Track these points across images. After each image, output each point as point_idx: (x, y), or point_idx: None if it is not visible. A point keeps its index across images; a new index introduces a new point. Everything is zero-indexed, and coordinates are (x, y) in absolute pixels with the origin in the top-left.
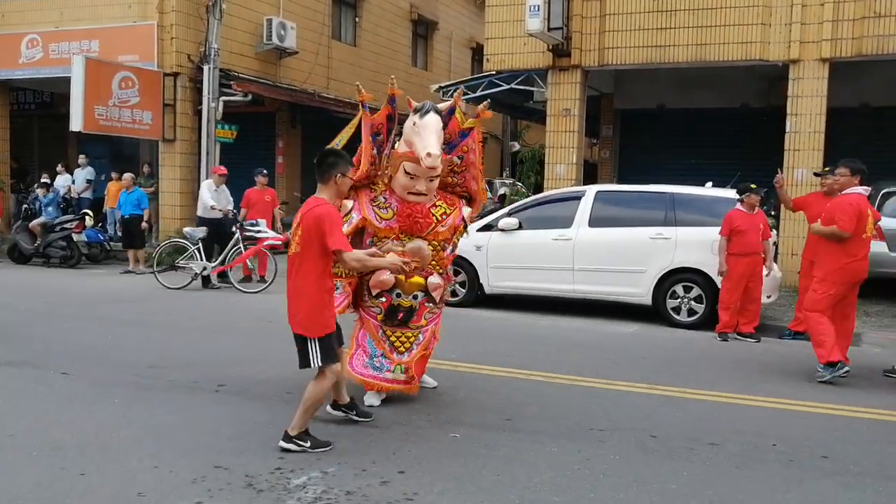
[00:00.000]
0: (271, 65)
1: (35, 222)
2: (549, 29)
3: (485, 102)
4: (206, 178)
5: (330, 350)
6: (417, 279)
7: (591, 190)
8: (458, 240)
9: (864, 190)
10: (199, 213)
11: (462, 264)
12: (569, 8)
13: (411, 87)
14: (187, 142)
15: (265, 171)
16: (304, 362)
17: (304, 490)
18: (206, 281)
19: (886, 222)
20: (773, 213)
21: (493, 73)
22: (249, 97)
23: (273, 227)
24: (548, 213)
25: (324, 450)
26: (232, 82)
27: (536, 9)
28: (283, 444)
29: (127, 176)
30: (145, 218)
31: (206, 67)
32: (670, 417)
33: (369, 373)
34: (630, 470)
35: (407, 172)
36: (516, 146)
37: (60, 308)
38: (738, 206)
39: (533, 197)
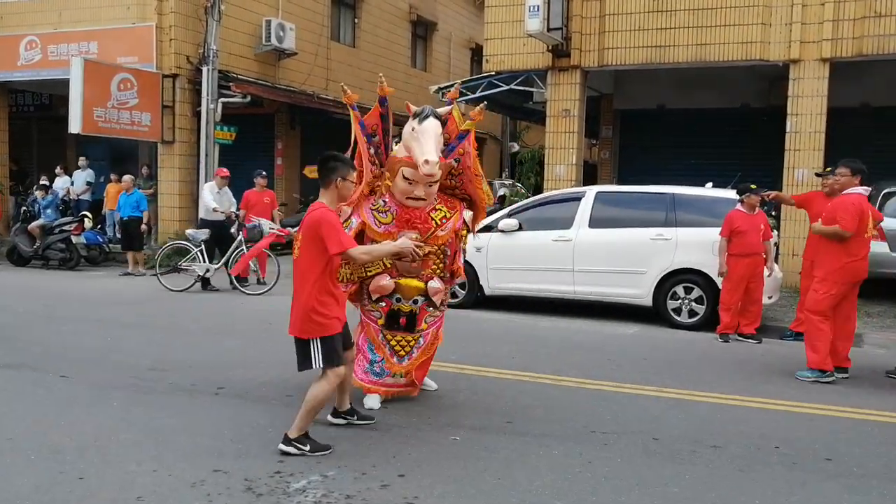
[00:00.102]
0: (270, 66)
1: (34, 224)
2: (549, 29)
3: (480, 105)
4: (205, 179)
5: (332, 352)
6: (417, 283)
7: (591, 191)
8: (465, 245)
9: (864, 190)
10: (202, 215)
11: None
12: (568, 8)
13: (410, 87)
14: (186, 143)
15: (264, 173)
16: (305, 364)
17: (304, 494)
18: (205, 283)
19: (888, 222)
20: (773, 213)
21: (493, 73)
22: (248, 98)
23: None
24: (548, 214)
25: (323, 453)
26: (231, 84)
27: (536, 9)
28: (282, 447)
29: (127, 178)
30: (144, 220)
31: (204, 69)
32: (672, 419)
33: (370, 378)
34: (632, 473)
35: (405, 178)
36: (516, 147)
37: (59, 310)
38: (739, 206)
39: (533, 198)
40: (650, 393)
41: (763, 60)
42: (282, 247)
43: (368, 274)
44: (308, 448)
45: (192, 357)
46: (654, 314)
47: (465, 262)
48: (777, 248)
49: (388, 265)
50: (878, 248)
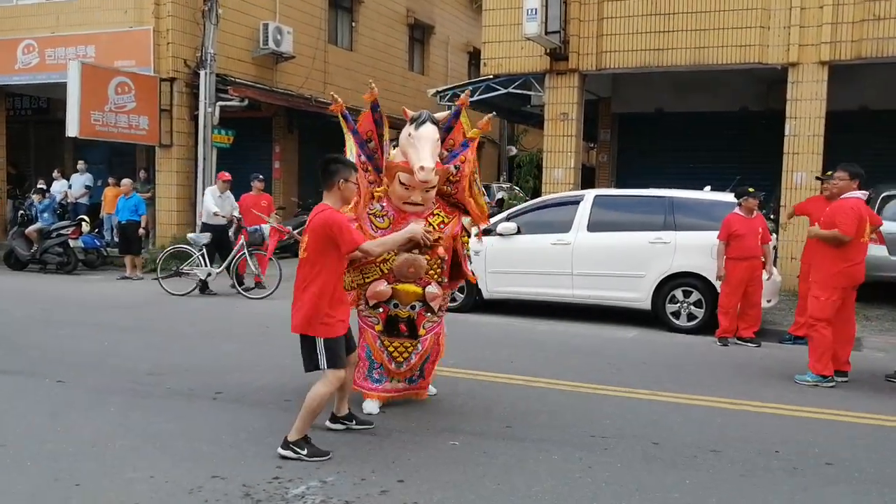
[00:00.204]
0: (268, 69)
1: (31, 228)
2: (547, 33)
3: (488, 116)
4: (203, 183)
5: (335, 354)
6: (415, 289)
7: (590, 194)
8: (468, 251)
9: (862, 194)
10: (203, 219)
11: None
12: (566, 12)
13: (408, 91)
14: (184, 147)
15: (261, 176)
16: (310, 365)
17: (303, 500)
18: (204, 286)
19: (887, 226)
20: (772, 216)
21: (491, 77)
22: (246, 102)
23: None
24: (546, 218)
25: (322, 459)
26: (228, 87)
27: (534, 12)
28: (281, 451)
29: (126, 182)
30: (142, 224)
31: (202, 72)
32: (672, 424)
33: (369, 385)
34: (632, 478)
35: (402, 183)
36: (514, 150)
37: (57, 314)
38: (737, 209)
39: (531, 201)
40: (649, 397)
41: (761, 64)
42: (281, 249)
43: (366, 280)
44: (305, 453)
45: (189, 361)
46: (652, 318)
47: None
48: (776, 252)
49: (386, 271)
50: (877, 251)
